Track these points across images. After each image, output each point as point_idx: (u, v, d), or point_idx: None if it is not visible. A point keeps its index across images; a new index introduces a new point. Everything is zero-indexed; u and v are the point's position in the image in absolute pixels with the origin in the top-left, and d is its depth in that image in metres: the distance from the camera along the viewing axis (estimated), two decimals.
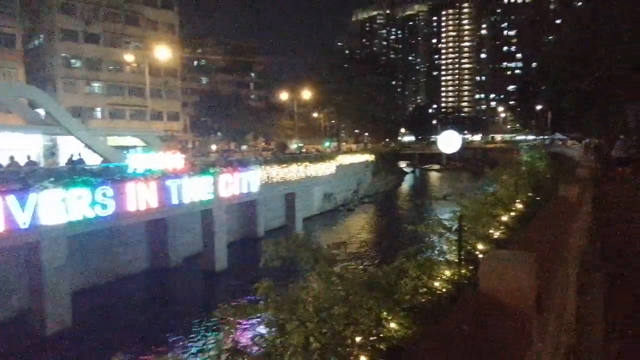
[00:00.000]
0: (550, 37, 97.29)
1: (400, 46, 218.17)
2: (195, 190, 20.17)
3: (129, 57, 52.77)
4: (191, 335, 14.87)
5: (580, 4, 77.25)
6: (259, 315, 3.50)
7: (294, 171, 29.45)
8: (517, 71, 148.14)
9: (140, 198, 17.42)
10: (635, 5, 34.49)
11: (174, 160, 19.99)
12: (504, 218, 7.10)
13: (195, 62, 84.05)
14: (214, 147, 68.91)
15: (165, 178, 18.67)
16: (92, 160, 25.45)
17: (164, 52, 39.91)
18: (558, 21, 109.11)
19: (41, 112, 26.58)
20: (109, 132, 36.49)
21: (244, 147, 70.97)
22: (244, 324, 4.23)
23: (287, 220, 30.76)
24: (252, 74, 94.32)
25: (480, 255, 4.89)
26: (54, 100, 30.98)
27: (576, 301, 3.04)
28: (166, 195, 18.65)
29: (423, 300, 3.96)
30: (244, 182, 23.58)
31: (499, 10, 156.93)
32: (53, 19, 53.73)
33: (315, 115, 76.23)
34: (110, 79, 58.56)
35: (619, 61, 34.54)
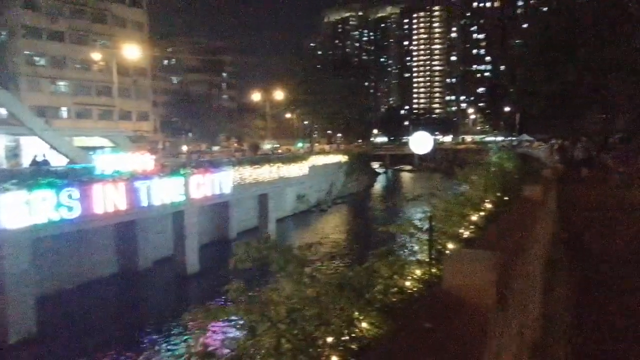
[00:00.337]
0: (518, 41, 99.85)
1: (372, 48, 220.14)
2: (165, 191, 19.83)
3: (96, 56, 51.53)
4: (162, 340, 14.60)
5: (546, 9, 79.63)
6: (229, 318, 3.46)
7: (267, 172, 29.30)
8: (486, 74, 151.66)
9: (108, 200, 17.01)
10: (595, 14, 35.83)
11: (144, 161, 19.63)
12: (474, 218, 7.22)
13: (166, 61, 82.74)
14: (184, 147, 67.99)
15: (134, 179, 18.29)
16: (58, 161, 24.74)
17: (132, 51, 39.13)
18: (525, 25, 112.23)
19: (3, 111, 25.67)
20: (75, 133, 35.53)
21: (215, 148, 70.24)
22: (215, 327, 4.17)
23: (260, 222, 30.58)
24: (224, 74, 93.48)
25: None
26: (16, 99, 29.95)
27: (541, 298, 3.12)
28: (135, 197, 18.27)
29: (394, 299, 3.99)
30: (215, 183, 23.33)
31: (468, 14, 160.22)
32: (15, 15, 51.98)
33: (288, 116, 76.08)
34: (76, 77, 57.02)
35: (581, 67, 35.82)
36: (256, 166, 28.43)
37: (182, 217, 21.36)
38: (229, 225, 28.35)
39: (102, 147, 29.31)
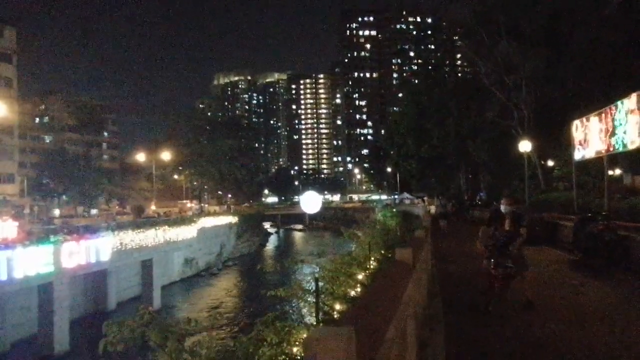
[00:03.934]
0: (395, 109, 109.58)
1: (261, 110, 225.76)
2: (30, 262, 17.64)
3: None
4: None
5: (417, 81, 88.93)
6: None
7: (151, 236, 27.62)
8: (369, 137, 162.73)
9: None
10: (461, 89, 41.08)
11: (5, 228, 17.46)
12: (360, 276, 7.46)
13: (38, 120, 76.36)
14: (57, 212, 61.87)
15: None
16: None
17: None
18: (400, 95, 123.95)
19: None
20: None
21: (94, 212, 64.97)
22: None
23: (143, 289, 28.33)
24: (105, 134, 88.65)
25: (337, 315, 5.02)
26: None
27: (418, 354, 3.27)
28: None
29: None
30: (91, 250, 21.36)
31: (350, 83, 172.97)
32: None
33: (176, 177, 73.61)
34: None
35: (447, 134, 40.34)
36: (139, 230, 26.72)
37: (50, 290, 19.03)
38: (108, 295, 25.88)
39: None
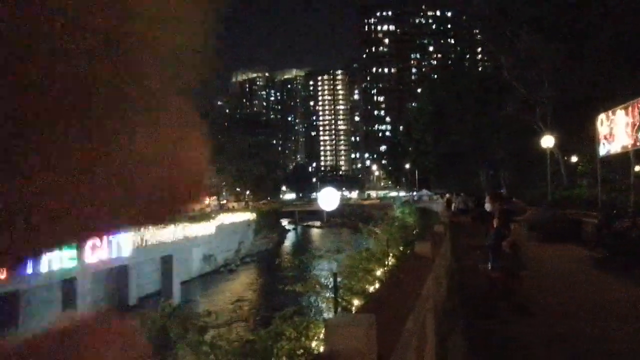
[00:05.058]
0: (413, 104, 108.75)
1: (279, 107, 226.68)
2: (55, 256, 18.04)
3: None
4: None
5: (436, 76, 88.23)
6: None
7: (171, 232, 28.01)
8: (387, 133, 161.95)
9: None
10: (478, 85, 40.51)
11: None
12: (378, 273, 7.44)
13: None
14: None
15: None
16: None
17: None
18: (418, 90, 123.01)
19: None
20: None
21: None
22: None
23: (163, 285, 28.77)
24: None
25: (355, 311, 5.01)
26: None
27: (437, 349, 3.23)
28: None
29: None
30: (113, 245, 21.76)
31: (368, 78, 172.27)
32: None
33: None
34: None
35: (467, 129, 39.87)
36: (159, 226, 27.11)
37: (73, 285, 19.46)
38: (128, 290, 26.32)
39: None
